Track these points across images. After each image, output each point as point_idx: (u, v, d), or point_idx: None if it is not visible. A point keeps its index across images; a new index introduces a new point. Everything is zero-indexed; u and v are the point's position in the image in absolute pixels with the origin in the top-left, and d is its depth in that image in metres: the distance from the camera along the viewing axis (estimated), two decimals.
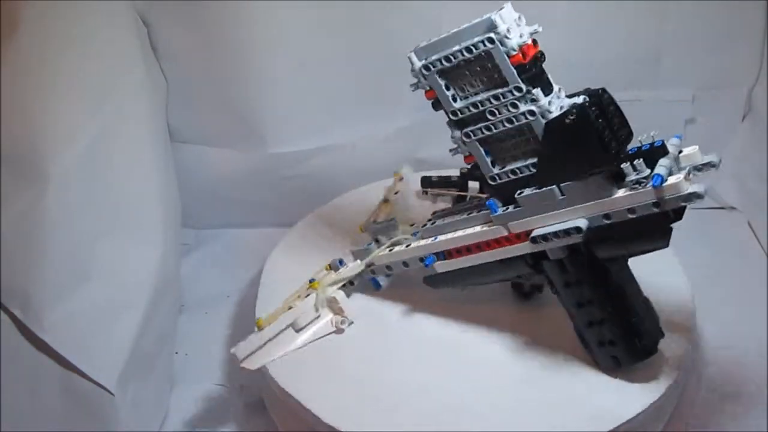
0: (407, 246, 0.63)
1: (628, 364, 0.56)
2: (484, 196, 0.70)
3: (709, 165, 0.52)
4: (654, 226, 0.51)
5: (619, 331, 0.55)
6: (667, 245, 0.52)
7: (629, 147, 0.53)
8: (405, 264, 0.63)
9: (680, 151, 0.52)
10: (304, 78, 0.86)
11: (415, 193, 0.80)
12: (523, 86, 0.52)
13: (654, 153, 0.51)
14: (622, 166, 0.51)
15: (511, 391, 0.58)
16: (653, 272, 0.68)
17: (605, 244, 0.53)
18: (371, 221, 0.71)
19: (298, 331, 0.62)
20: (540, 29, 0.52)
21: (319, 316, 0.63)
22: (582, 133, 0.50)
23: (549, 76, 0.53)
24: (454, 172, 0.79)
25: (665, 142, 0.51)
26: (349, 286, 0.66)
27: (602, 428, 0.55)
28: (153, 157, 0.74)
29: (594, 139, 0.50)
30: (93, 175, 0.66)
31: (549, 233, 0.53)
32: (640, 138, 0.52)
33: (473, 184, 0.77)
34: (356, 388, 0.60)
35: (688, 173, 0.50)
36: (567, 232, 0.53)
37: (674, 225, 0.51)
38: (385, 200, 0.75)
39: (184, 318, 0.81)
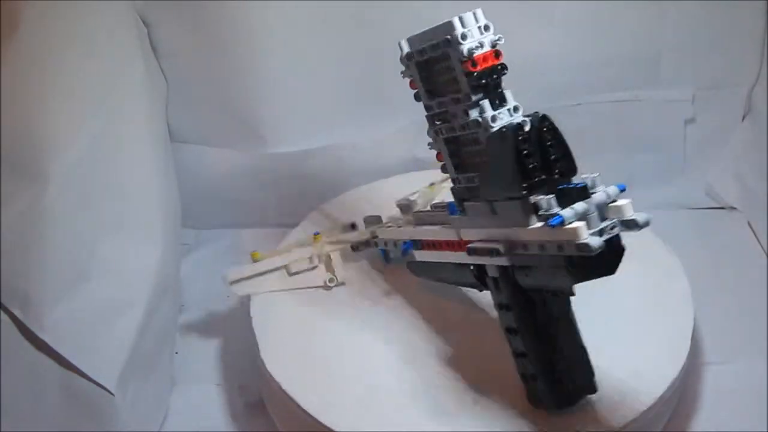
0: (399, 226, 0.64)
1: (549, 407, 0.54)
2: None
3: (633, 223, 0.47)
4: (558, 268, 0.47)
5: (540, 369, 0.53)
6: (569, 291, 0.48)
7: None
8: (395, 243, 0.64)
9: (613, 201, 0.48)
10: (304, 78, 0.86)
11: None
12: (471, 94, 0.50)
13: (570, 193, 0.47)
14: (535, 199, 0.47)
15: (511, 392, 0.58)
16: (653, 272, 0.69)
17: (523, 273, 0.51)
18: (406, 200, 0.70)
19: (290, 274, 0.64)
20: (501, 41, 0.50)
21: (314, 268, 0.65)
22: (504, 154, 0.48)
23: (505, 91, 0.51)
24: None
25: (588, 185, 0.48)
26: (354, 250, 0.67)
27: (602, 428, 0.55)
28: (153, 157, 0.74)
29: (510, 163, 0.47)
30: (93, 175, 0.66)
31: (477, 248, 0.52)
32: (583, 175, 0.49)
33: None
34: (355, 388, 0.60)
35: (612, 227, 0.47)
36: (489, 251, 0.51)
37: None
38: (432, 184, 0.74)
39: (184, 318, 0.81)
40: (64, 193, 0.63)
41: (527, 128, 0.48)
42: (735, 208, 0.90)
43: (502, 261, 0.51)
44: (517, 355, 0.54)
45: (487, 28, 0.50)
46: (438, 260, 0.60)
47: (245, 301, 0.71)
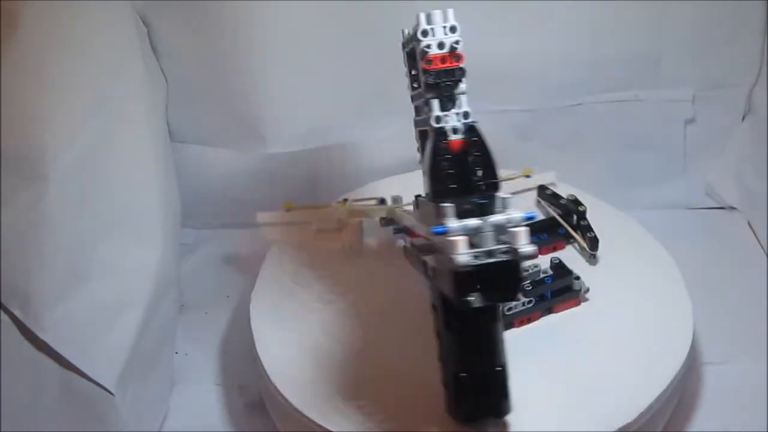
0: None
1: (450, 413, 0.53)
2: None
3: (521, 253, 0.43)
4: (448, 278, 0.44)
5: (451, 378, 0.52)
6: (460, 304, 0.43)
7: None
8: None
9: (514, 226, 0.45)
10: (304, 78, 0.86)
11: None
12: (423, 88, 0.50)
13: (473, 208, 0.45)
14: (440, 205, 0.45)
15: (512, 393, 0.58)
16: (653, 272, 0.69)
17: (437, 276, 0.49)
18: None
19: (316, 231, 0.66)
20: (459, 44, 0.49)
21: (339, 230, 0.67)
22: (429, 154, 0.49)
23: (460, 95, 0.50)
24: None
25: (490, 203, 0.46)
26: (383, 225, 0.69)
27: (602, 428, 0.55)
28: (153, 157, 0.74)
29: (429, 163, 0.49)
30: (93, 175, 0.66)
31: (404, 244, 0.56)
32: (502, 194, 0.47)
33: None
34: (355, 388, 0.60)
35: (505, 251, 0.44)
36: (406, 248, 0.53)
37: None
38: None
39: (184, 318, 0.81)
40: (64, 193, 0.63)
41: (452, 136, 0.48)
42: (735, 208, 0.90)
43: (429, 260, 0.49)
44: (439, 359, 0.53)
45: (453, 29, 0.49)
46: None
47: (245, 301, 0.71)
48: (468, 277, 0.43)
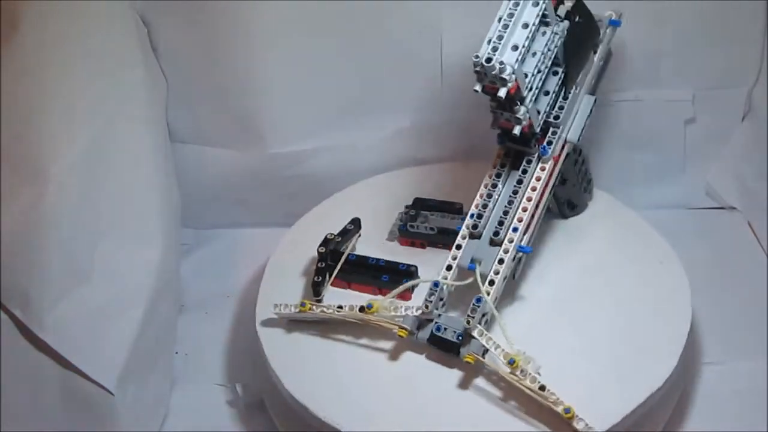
0: (500, 262, 0.61)
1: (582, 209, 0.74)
2: None
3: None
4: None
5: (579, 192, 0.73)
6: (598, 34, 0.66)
7: None
8: (513, 276, 0.63)
9: None
10: (303, 78, 0.86)
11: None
12: (557, 17, 0.60)
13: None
14: None
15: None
16: (653, 272, 0.69)
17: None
18: (410, 319, 0.61)
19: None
20: None
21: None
22: (586, 23, 0.63)
23: None
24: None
25: None
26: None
27: (602, 428, 0.55)
28: (153, 157, 0.74)
29: (593, 19, 0.65)
30: (93, 175, 0.66)
31: (583, 126, 0.65)
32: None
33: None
34: (357, 387, 0.60)
35: None
36: (591, 111, 0.65)
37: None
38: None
39: (184, 318, 0.81)
40: (64, 193, 0.63)
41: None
42: (735, 208, 0.90)
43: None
44: (583, 180, 0.74)
45: None
46: (540, 213, 0.65)
47: (245, 301, 0.71)
48: None
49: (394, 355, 0.62)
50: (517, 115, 0.59)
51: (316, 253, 0.69)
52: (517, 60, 0.56)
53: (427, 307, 0.60)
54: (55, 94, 0.66)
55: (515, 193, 0.63)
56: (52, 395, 0.61)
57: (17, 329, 0.60)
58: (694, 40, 0.85)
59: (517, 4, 0.57)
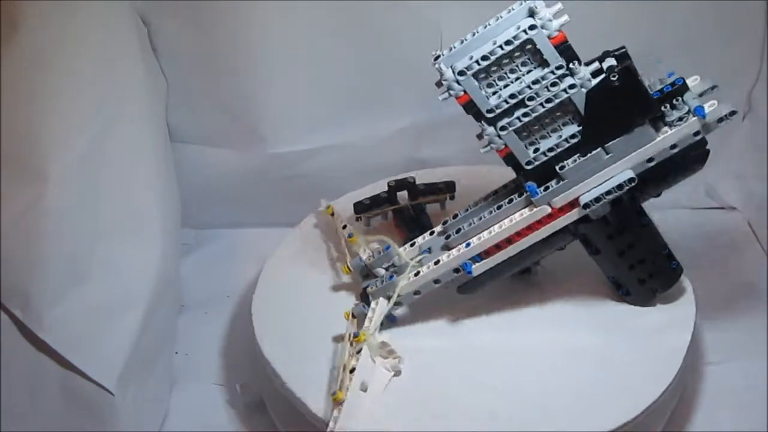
0: (436, 263, 0.61)
1: (666, 289, 0.63)
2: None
3: (712, 89, 0.59)
4: (694, 153, 0.58)
5: (659, 263, 0.62)
6: (703, 166, 0.60)
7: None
8: (436, 281, 0.62)
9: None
10: (303, 78, 0.86)
11: (347, 219, 0.74)
12: (564, 63, 0.54)
13: (678, 91, 0.57)
14: (664, 110, 0.56)
15: (510, 392, 0.58)
16: None
17: (647, 185, 0.58)
18: (357, 259, 0.66)
19: (365, 390, 0.58)
20: (561, 5, 0.54)
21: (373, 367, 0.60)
22: (629, 91, 0.55)
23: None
24: (382, 187, 0.76)
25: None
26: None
27: (602, 428, 0.55)
28: (153, 157, 0.74)
29: (641, 93, 0.55)
30: (93, 175, 0.66)
31: (601, 194, 0.57)
32: (648, 82, 0.57)
33: (402, 194, 0.75)
34: (357, 386, 0.60)
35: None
36: (620, 187, 0.56)
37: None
38: (350, 236, 0.69)
39: (184, 318, 0.81)
40: (64, 193, 0.63)
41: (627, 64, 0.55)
42: (735, 208, 0.90)
43: (624, 192, 0.57)
44: (633, 267, 0.62)
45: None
46: (513, 253, 0.60)
47: (245, 301, 0.71)
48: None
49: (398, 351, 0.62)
50: (484, 134, 0.57)
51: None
52: (466, 69, 0.54)
53: (370, 258, 0.65)
54: (55, 94, 0.66)
55: (490, 213, 0.60)
56: (52, 395, 0.61)
57: (17, 329, 0.60)
58: (694, 39, 0.85)
59: (498, 19, 0.54)
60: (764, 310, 0.75)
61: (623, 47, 0.57)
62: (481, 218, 0.60)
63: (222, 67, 0.85)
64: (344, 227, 0.72)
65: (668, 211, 0.88)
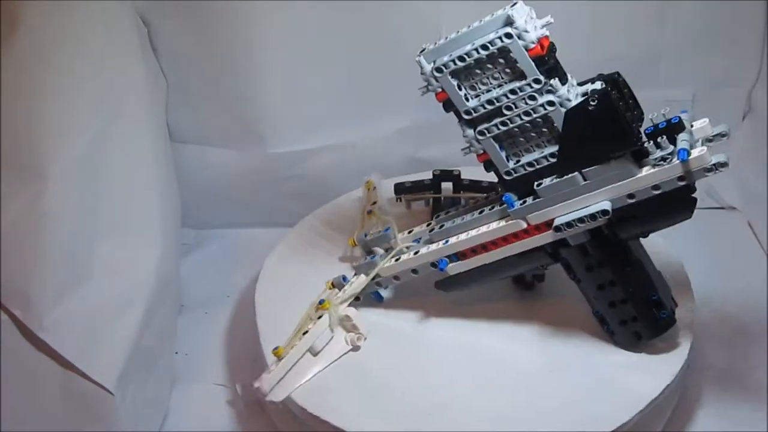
0: (415, 253, 0.62)
1: (651, 338, 0.59)
2: (459, 195, 0.75)
3: (720, 135, 0.54)
4: (679, 200, 0.53)
5: (641, 308, 0.57)
6: (691, 216, 0.54)
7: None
8: (414, 271, 0.63)
9: (691, 125, 0.54)
10: (303, 78, 0.86)
11: (388, 200, 0.75)
12: (542, 78, 0.52)
13: (672, 129, 0.52)
14: (645, 145, 0.52)
15: (509, 392, 0.58)
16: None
17: (629, 223, 0.54)
18: (362, 234, 0.68)
19: (315, 355, 0.60)
20: (552, 21, 0.53)
21: (333, 337, 0.62)
22: (605, 118, 0.51)
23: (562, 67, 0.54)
24: (426, 175, 0.77)
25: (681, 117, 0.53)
26: (355, 301, 0.65)
27: (602, 428, 0.55)
28: (153, 157, 0.74)
29: (618, 123, 0.51)
30: (93, 175, 0.66)
31: (573, 220, 0.54)
32: (651, 116, 0.53)
33: (446, 185, 0.77)
34: (357, 386, 0.60)
35: (701, 145, 0.52)
36: (593, 217, 0.54)
37: (675, 225, 0.51)
38: (369, 212, 0.72)
39: (184, 318, 0.81)
40: (63, 192, 0.63)
41: (615, 90, 0.52)
42: (735, 208, 0.90)
43: (601, 221, 0.54)
44: (614, 304, 0.58)
45: (531, 12, 0.54)
46: (488, 262, 0.59)
47: (245, 301, 0.71)
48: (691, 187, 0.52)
49: (396, 353, 0.62)
50: (463, 135, 0.57)
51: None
52: (443, 67, 0.54)
53: (366, 235, 0.67)
54: (55, 94, 0.65)
55: (472, 216, 0.60)
56: (52, 395, 0.61)
57: (17, 329, 0.60)
58: (694, 40, 0.85)
59: (481, 21, 0.54)
60: (764, 310, 0.75)
61: (617, 73, 0.54)
62: (463, 219, 0.61)
63: (222, 67, 0.85)
64: (374, 203, 0.73)
65: None
